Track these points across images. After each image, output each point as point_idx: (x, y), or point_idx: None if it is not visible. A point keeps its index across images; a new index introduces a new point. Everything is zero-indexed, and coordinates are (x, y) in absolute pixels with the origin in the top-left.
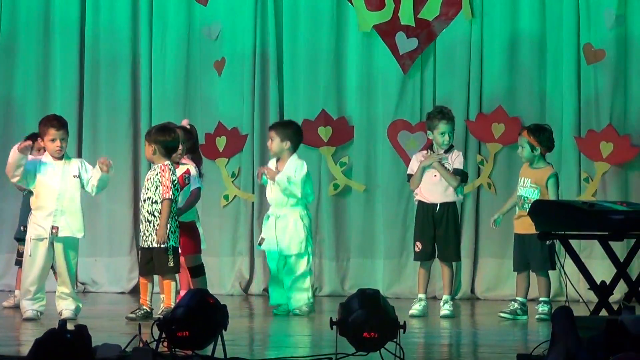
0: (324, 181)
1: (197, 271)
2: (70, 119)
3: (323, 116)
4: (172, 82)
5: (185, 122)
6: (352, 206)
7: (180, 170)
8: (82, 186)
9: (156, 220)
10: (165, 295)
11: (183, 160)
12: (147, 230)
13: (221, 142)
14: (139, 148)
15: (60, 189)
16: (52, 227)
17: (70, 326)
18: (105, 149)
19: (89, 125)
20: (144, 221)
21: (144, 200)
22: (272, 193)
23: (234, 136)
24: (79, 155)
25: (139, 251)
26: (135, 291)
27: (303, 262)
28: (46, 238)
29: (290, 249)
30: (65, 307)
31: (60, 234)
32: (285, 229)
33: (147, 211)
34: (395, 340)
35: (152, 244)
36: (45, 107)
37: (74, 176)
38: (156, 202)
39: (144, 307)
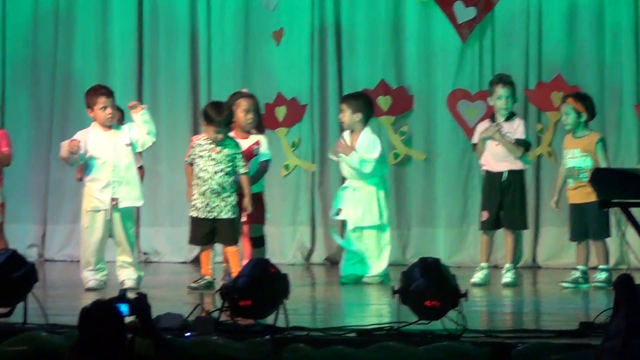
0: (384, 151)
1: (259, 242)
2: (129, 89)
3: (382, 86)
4: (230, 53)
5: (245, 91)
6: (413, 175)
7: (250, 141)
8: (135, 151)
9: (225, 193)
10: (233, 264)
11: (253, 131)
12: (214, 202)
13: (281, 112)
14: (198, 116)
15: (115, 160)
16: (112, 199)
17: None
18: (164, 119)
19: (149, 96)
20: (208, 193)
21: (215, 172)
22: (346, 166)
23: (294, 106)
24: None
25: (194, 222)
26: (196, 261)
27: (378, 234)
28: (104, 210)
29: (364, 221)
30: (127, 276)
31: (121, 205)
32: (360, 200)
33: (218, 184)
34: (456, 308)
35: (219, 215)
36: (104, 78)
37: (125, 145)
38: (228, 174)
39: (206, 277)
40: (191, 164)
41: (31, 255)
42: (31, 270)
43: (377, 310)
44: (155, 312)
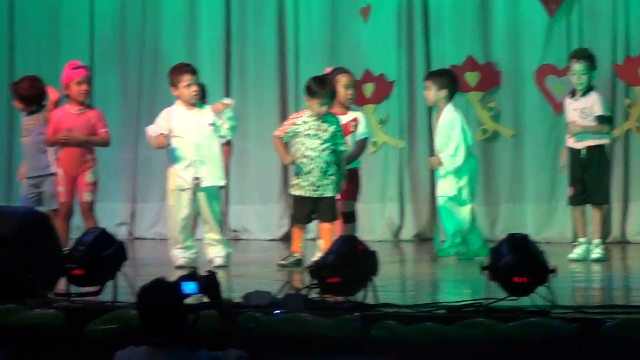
0: (472, 127)
1: (350, 217)
2: (217, 67)
3: (470, 62)
4: (318, 29)
5: (328, 70)
6: (501, 151)
7: (348, 118)
8: (218, 132)
9: (330, 170)
10: (325, 240)
11: (352, 107)
12: (320, 181)
13: (368, 89)
14: (287, 95)
15: (197, 139)
16: (195, 178)
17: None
18: (252, 97)
19: (236, 74)
20: (315, 172)
21: (322, 151)
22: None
23: (381, 83)
24: None
25: (298, 201)
26: (285, 238)
27: (461, 209)
28: (188, 188)
29: (446, 197)
30: (216, 254)
31: (203, 184)
32: (445, 177)
33: (325, 162)
34: (545, 284)
35: (323, 193)
36: (192, 56)
37: (208, 124)
38: (333, 152)
39: (296, 254)
40: (283, 140)
41: (121, 233)
42: (121, 249)
43: (465, 286)
44: (245, 289)
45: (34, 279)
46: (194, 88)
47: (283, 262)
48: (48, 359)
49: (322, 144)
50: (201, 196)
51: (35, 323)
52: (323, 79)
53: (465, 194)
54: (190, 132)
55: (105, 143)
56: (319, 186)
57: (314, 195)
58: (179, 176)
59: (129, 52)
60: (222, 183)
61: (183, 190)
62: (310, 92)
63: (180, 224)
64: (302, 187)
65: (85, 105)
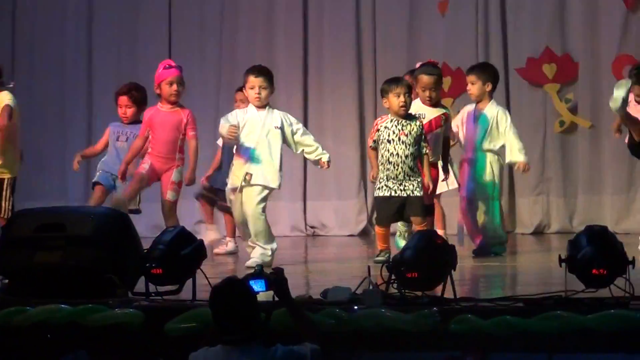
0: (549, 119)
1: (429, 210)
2: (295, 65)
3: (547, 53)
4: (395, 24)
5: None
6: (579, 143)
7: (437, 112)
8: (284, 140)
9: (415, 174)
10: None
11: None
12: (404, 185)
13: (446, 83)
14: (364, 90)
15: (259, 138)
16: (246, 174)
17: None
18: (330, 93)
19: (314, 69)
20: (401, 176)
21: (406, 156)
22: (468, 136)
23: (459, 77)
24: (305, 98)
25: (383, 202)
26: (363, 234)
27: (491, 205)
28: (243, 186)
29: (477, 193)
30: (255, 253)
31: (253, 182)
32: (476, 173)
33: (410, 167)
34: (624, 276)
35: (410, 194)
36: (270, 52)
37: (275, 127)
38: (417, 156)
39: (387, 250)
40: (375, 148)
41: (199, 231)
42: (199, 247)
43: (544, 278)
44: (323, 285)
45: (114, 278)
46: (256, 90)
47: (379, 258)
48: (127, 358)
49: (407, 149)
50: (247, 192)
51: (115, 322)
52: (397, 78)
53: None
54: (255, 130)
55: (196, 150)
56: (404, 189)
57: (402, 195)
58: (235, 174)
59: (206, 50)
60: (274, 185)
61: (236, 188)
62: (384, 92)
63: (240, 222)
64: (389, 188)
65: (176, 105)
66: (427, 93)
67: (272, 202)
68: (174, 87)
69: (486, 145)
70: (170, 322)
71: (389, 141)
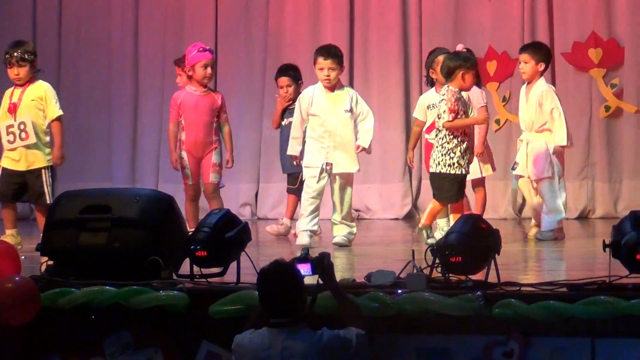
0: (595, 104)
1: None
2: (341, 46)
3: (593, 38)
4: (442, 8)
5: (460, 47)
6: (624, 128)
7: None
8: (354, 120)
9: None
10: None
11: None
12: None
13: (492, 67)
14: (410, 72)
15: (332, 125)
16: (327, 164)
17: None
18: (376, 77)
19: (360, 53)
20: (469, 150)
21: (472, 129)
22: (522, 117)
23: (504, 61)
24: (351, 82)
25: (455, 179)
26: (407, 217)
27: (547, 186)
28: (319, 170)
29: (533, 174)
30: (337, 233)
31: (335, 171)
32: (532, 153)
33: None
34: None
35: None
36: (315, 37)
37: (345, 110)
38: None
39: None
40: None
41: (244, 214)
42: (244, 230)
43: (588, 264)
44: (368, 269)
45: (158, 260)
46: (325, 72)
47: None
48: (172, 340)
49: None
50: (337, 180)
51: (159, 304)
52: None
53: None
54: (327, 116)
55: (231, 133)
56: (469, 164)
57: (467, 173)
58: (312, 155)
59: (252, 32)
60: (354, 170)
61: (313, 168)
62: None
63: (308, 194)
64: (462, 166)
65: (208, 88)
66: None
67: None
68: (208, 70)
69: (537, 124)
70: (214, 305)
71: (465, 112)
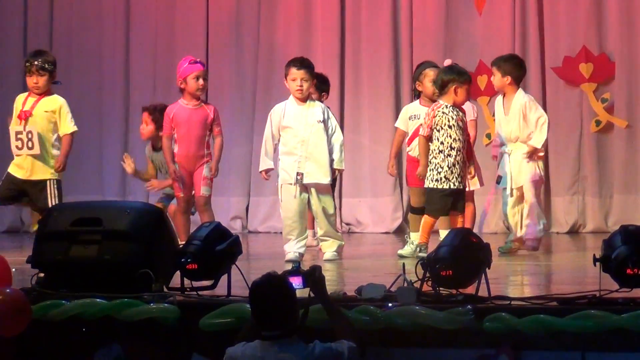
0: (585, 118)
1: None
2: (332, 62)
3: (584, 53)
4: (433, 21)
5: (448, 62)
6: (615, 142)
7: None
8: (327, 132)
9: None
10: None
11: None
12: (463, 172)
13: (483, 81)
14: (400, 86)
15: (305, 135)
16: (297, 174)
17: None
18: (366, 91)
19: (351, 68)
20: (461, 162)
21: (465, 141)
22: (502, 129)
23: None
24: (342, 95)
25: (443, 193)
26: (398, 231)
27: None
28: (295, 183)
29: (525, 179)
30: (326, 248)
31: (305, 181)
32: (517, 161)
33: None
34: None
35: (464, 185)
36: (307, 49)
37: (317, 121)
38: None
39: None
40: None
41: (235, 227)
42: (235, 243)
43: (578, 278)
44: (358, 282)
45: (149, 273)
46: (297, 83)
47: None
48: (162, 353)
49: (463, 134)
50: (312, 191)
51: (150, 317)
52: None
53: None
54: (299, 126)
55: (220, 145)
56: (462, 177)
57: (460, 187)
58: (286, 170)
59: (243, 47)
60: (325, 181)
61: (290, 184)
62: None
63: (290, 219)
64: (449, 181)
65: (200, 100)
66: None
67: None
68: (201, 81)
69: (523, 136)
70: (205, 317)
71: (449, 127)
